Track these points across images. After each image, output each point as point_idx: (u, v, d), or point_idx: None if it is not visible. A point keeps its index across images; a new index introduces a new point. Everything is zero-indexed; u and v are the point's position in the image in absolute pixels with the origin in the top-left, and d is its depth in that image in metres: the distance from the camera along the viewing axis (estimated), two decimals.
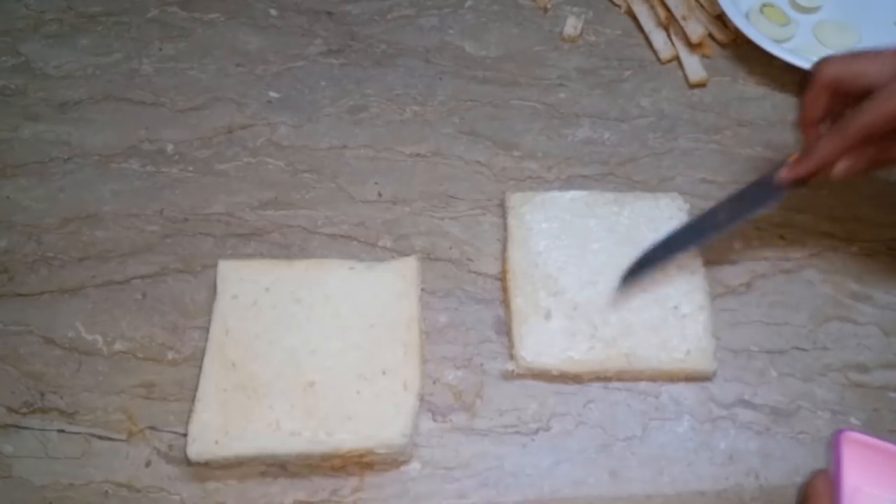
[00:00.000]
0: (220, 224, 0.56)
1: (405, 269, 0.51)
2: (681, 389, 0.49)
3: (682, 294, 0.50)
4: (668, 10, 0.67)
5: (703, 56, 0.65)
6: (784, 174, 0.49)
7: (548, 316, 0.50)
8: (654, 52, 0.66)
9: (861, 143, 0.46)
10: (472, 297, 0.53)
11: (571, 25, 0.67)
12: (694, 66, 0.64)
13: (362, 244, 0.55)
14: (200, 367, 0.48)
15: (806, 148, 0.49)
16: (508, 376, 0.50)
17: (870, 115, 0.44)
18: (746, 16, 0.65)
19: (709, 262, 0.53)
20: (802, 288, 0.53)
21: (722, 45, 0.66)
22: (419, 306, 0.50)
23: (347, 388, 0.47)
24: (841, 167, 0.47)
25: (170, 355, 0.51)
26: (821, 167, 0.48)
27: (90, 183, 0.58)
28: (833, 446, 0.40)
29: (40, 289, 0.53)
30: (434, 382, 0.50)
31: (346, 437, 0.45)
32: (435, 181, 0.58)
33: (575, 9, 0.69)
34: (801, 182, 0.49)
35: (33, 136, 0.61)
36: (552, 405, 0.49)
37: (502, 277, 0.53)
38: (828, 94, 0.47)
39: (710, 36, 0.66)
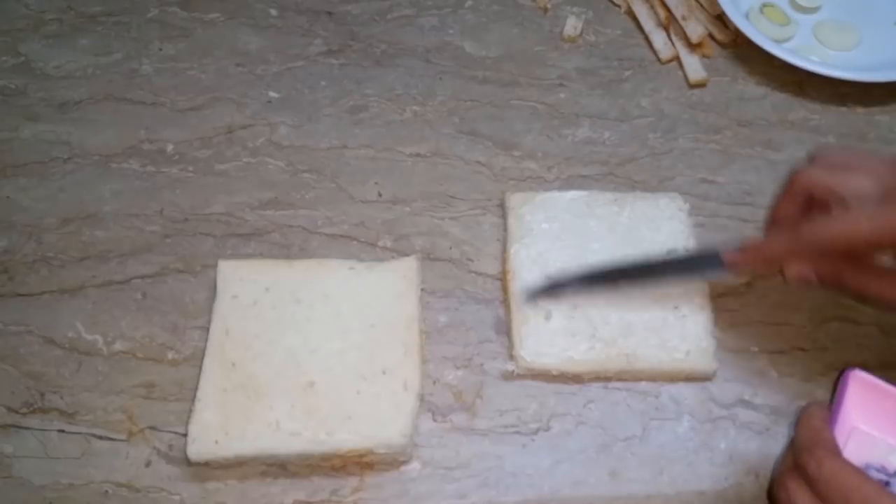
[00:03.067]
0: (220, 224, 0.56)
1: (405, 269, 0.51)
2: (681, 389, 0.49)
3: (682, 294, 0.50)
4: (668, 10, 0.67)
5: (703, 56, 0.65)
6: (729, 257, 0.46)
7: (548, 316, 0.50)
8: (654, 52, 0.66)
9: (812, 255, 0.43)
10: (472, 297, 0.53)
11: (571, 25, 0.67)
12: (694, 66, 0.64)
13: (362, 244, 0.55)
14: (200, 367, 0.48)
15: (759, 241, 0.46)
16: (508, 376, 0.50)
17: (822, 233, 0.41)
18: (746, 16, 0.65)
19: None
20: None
21: (722, 45, 0.66)
22: (419, 306, 0.50)
23: (347, 388, 0.47)
24: (793, 273, 0.44)
25: (170, 355, 0.51)
26: (765, 264, 0.46)
27: (90, 183, 0.58)
28: (839, 382, 0.39)
29: (40, 289, 0.53)
30: (434, 382, 0.50)
31: (346, 437, 0.45)
32: (435, 181, 0.58)
33: (575, 9, 0.69)
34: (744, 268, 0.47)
35: (33, 136, 0.61)
36: (552, 405, 0.49)
37: (502, 277, 0.53)
38: (800, 201, 0.44)
39: (710, 36, 0.66)
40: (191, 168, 0.59)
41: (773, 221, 0.46)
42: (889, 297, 0.42)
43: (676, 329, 0.49)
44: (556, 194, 0.55)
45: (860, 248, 0.41)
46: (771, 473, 0.41)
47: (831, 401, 0.40)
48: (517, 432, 0.48)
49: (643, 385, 0.49)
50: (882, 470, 0.38)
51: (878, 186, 0.41)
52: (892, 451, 0.39)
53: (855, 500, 0.35)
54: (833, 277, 0.44)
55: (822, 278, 0.44)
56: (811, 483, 0.37)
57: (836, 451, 0.37)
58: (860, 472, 0.36)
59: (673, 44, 0.65)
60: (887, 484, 0.38)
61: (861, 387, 0.40)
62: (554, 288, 0.50)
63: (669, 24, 0.66)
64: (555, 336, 0.49)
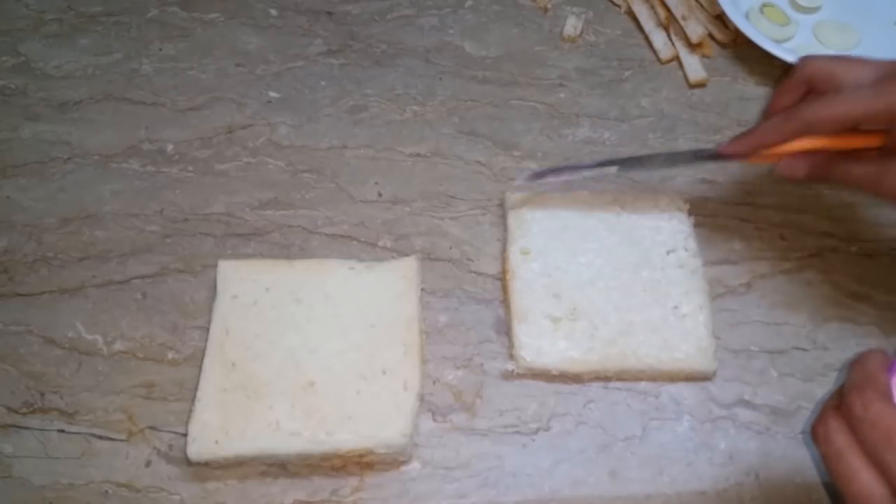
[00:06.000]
0: (220, 224, 0.56)
1: (405, 269, 0.51)
2: (681, 389, 0.49)
3: (682, 294, 0.50)
4: (668, 10, 0.67)
5: (703, 56, 0.65)
6: (723, 146, 0.49)
7: (547, 316, 0.50)
8: (654, 52, 0.66)
9: (802, 135, 0.45)
10: (472, 297, 0.53)
11: (571, 25, 0.67)
12: (694, 66, 0.64)
13: (362, 244, 0.55)
14: (200, 367, 0.48)
15: (755, 127, 0.48)
16: (508, 376, 0.50)
17: (822, 112, 0.44)
18: (746, 16, 0.64)
19: (709, 262, 0.53)
20: (802, 288, 0.53)
21: (722, 45, 0.66)
22: (419, 306, 0.50)
23: (347, 388, 0.47)
24: (784, 165, 0.47)
25: (170, 355, 0.51)
26: (759, 146, 0.47)
27: (90, 183, 0.58)
28: None
29: (40, 289, 0.53)
30: (434, 382, 0.50)
31: (346, 437, 0.45)
32: (435, 181, 0.58)
33: (575, 9, 0.69)
34: (740, 157, 0.49)
35: (33, 136, 0.61)
36: (552, 405, 0.49)
37: (502, 277, 0.53)
38: (801, 89, 0.47)
39: (710, 36, 0.66)
40: (191, 168, 0.59)
41: (771, 111, 0.48)
42: (869, 185, 0.45)
43: (676, 329, 0.49)
44: (556, 194, 0.55)
45: (858, 124, 0.44)
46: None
47: None
48: (517, 432, 0.48)
49: (643, 385, 0.49)
50: None
51: (875, 73, 0.44)
52: None
53: None
54: (821, 169, 0.46)
55: (810, 172, 0.47)
56: (855, 423, 0.36)
57: (887, 395, 0.36)
58: None
59: (673, 44, 0.65)
60: None
61: None
62: (552, 171, 0.54)
63: (669, 24, 0.66)
64: (555, 336, 0.49)
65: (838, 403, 0.37)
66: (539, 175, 0.53)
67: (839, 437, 0.37)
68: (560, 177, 0.54)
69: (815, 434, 0.38)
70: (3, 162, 0.60)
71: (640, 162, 0.54)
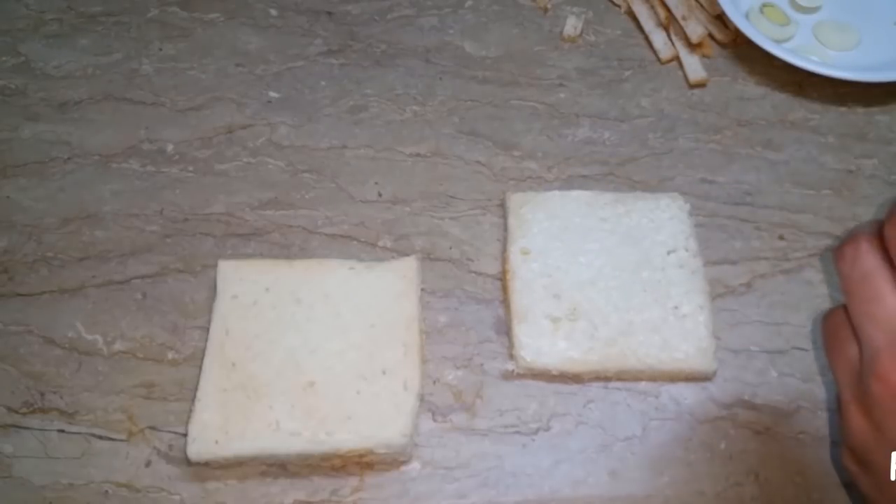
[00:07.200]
0: (220, 224, 0.56)
1: (405, 269, 0.51)
2: (681, 389, 0.49)
3: (682, 294, 0.50)
4: (668, 10, 0.67)
5: (703, 56, 0.65)
6: None
7: (547, 316, 0.50)
8: (654, 52, 0.66)
9: None
10: (472, 297, 0.53)
11: (571, 25, 0.67)
12: (694, 66, 0.64)
13: (362, 244, 0.55)
14: (200, 367, 0.48)
15: None
16: (508, 376, 0.50)
17: None
18: (746, 16, 0.64)
19: (709, 262, 0.53)
20: (802, 288, 0.53)
21: (722, 45, 0.66)
22: (419, 306, 0.50)
23: (347, 388, 0.47)
24: None
25: (170, 355, 0.51)
26: None
27: (90, 183, 0.59)
28: None
29: (40, 289, 0.53)
30: (434, 382, 0.50)
31: (346, 437, 0.45)
32: (435, 181, 0.58)
33: (575, 9, 0.69)
34: None
35: (33, 136, 0.61)
36: (552, 405, 0.49)
37: (502, 277, 0.53)
38: None
39: (710, 36, 0.66)
40: (191, 168, 0.59)
41: None
42: None
43: (676, 329, 0.49)
44: (556, 194, 0.55)
45: None
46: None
47: None
48: (517, 432, 0.48)
49: (643, 385, 0.49)
50: None
51: None
52: None
53: None
54: None
55: None
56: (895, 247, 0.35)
57: None
58: None
59: (673, 44, 0.65)
60: None
61: None
62: None
63: (669, 24, 0.66)
64: (555, 336, 0.49)
65: (876, 230, 0.36)
66: None
67: (870, 259, 0.36)
68: None
69: (842, 255, 0.37)
70: (3, 162, 0.60)
71: None
